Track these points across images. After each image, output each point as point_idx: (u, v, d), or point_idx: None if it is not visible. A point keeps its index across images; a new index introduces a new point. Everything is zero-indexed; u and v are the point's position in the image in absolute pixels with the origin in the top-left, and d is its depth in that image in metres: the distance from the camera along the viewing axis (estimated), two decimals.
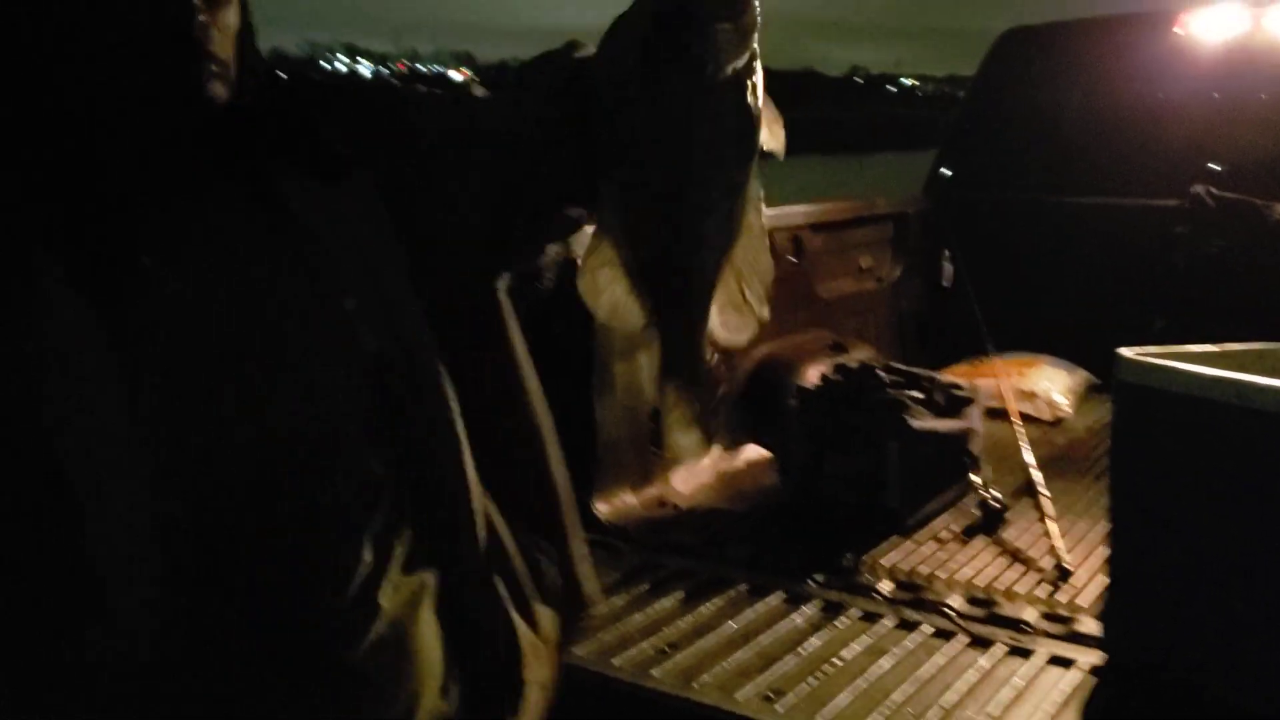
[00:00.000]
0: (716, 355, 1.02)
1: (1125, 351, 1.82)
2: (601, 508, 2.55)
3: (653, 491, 2.69)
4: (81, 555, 0.93)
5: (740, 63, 0.89)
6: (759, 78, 0.92)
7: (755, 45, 0.91)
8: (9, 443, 0.91)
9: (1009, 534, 2.50)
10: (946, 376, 2.81)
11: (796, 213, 3.53)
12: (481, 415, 1.13)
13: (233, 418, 0.96)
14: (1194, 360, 1.79)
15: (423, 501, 1.07)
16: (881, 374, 2.63)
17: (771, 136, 0.94)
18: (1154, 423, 1.78)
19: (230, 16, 1.01)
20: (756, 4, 0.90)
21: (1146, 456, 1.80)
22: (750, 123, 0.91)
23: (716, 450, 2.85)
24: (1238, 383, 1.66)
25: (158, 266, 0.96)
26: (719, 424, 0.92)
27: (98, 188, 0.97)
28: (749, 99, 0.90)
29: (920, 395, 2.62)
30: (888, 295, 4.05)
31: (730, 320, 0.98)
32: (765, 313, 0.99)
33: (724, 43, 0.88)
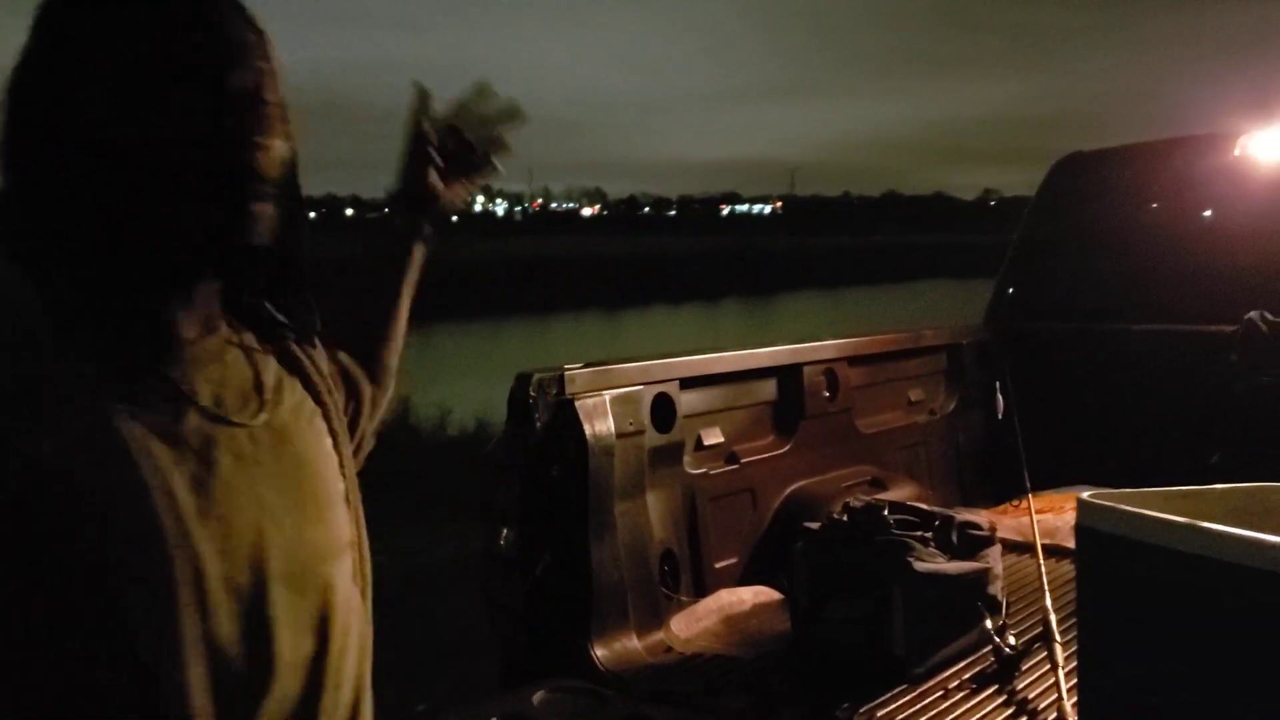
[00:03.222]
0: None
1: (1086, 495, 1.73)
2: (599, 652, 2.51)
3: (659, 636, 2.64)
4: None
5: None
6: None
7: None
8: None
9: (1022, 684, 2.36)
10: (965, 515, 2.70)
11: (830, 345, 3.49)
12: None
13: None
14: (1163, 502, 1.68)
15: None
16: (886, 513, 2.55)
17: None
18: (1116, 574, 1.68)
19: (282, 149, 1.09)
20: None
21: (1110, 611, 1.69)
22: None
23: (723, 592, 2.79)
24: (1191, 529, 1.55)
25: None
26: None
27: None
28: None
29: (929, 535, 2.52)
30: (942, 429, 3.94)
31: None
32: None
33: None
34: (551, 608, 2.52)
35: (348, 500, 1.20)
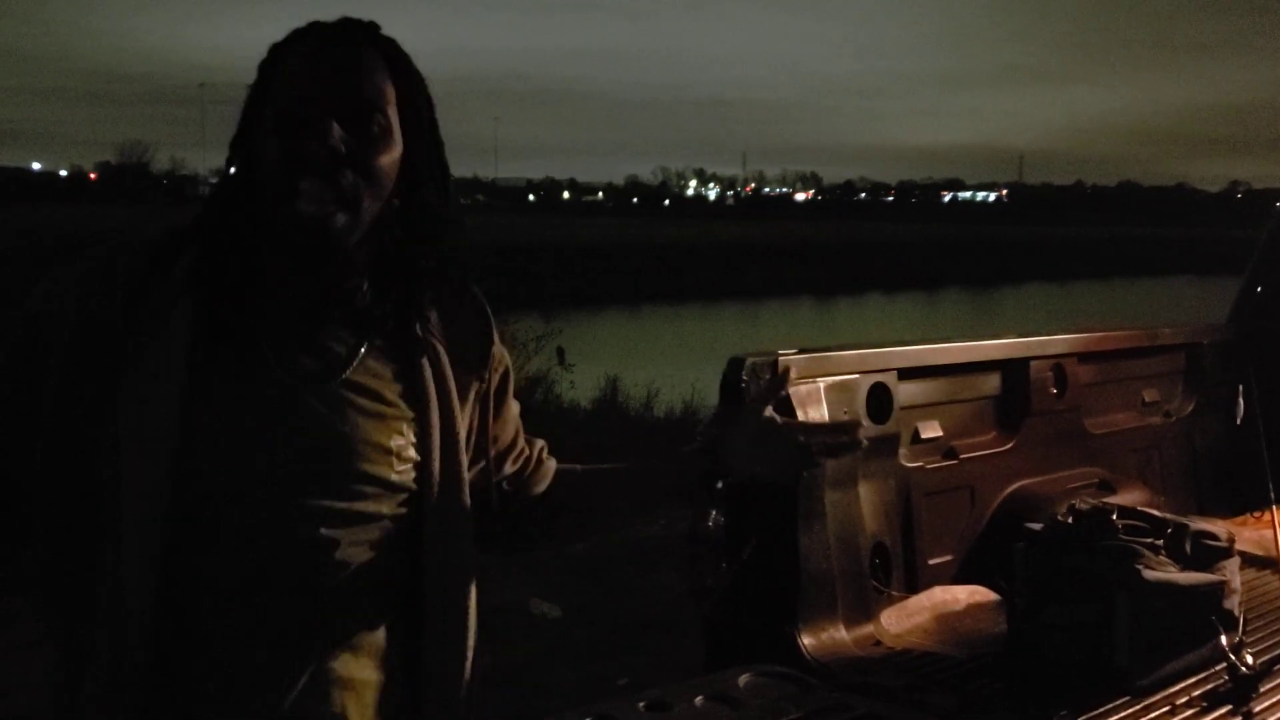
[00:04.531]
0: None
1: None
2: (806, 640, 2.48)
3: (868, 629, 2.60)
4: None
5: None
6: None
7: None
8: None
9: (1260, 706, 2.21)
10: (1201, 524, 2.54)
11: (1060, 340, 3.34)
12: None
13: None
14: None
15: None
16: (1115, 517, 2.42)
17: None
18: None
19: (383, 160, 1.28)
20: None
21: None
22: None
23: (937, 589, 2.72)
24: None
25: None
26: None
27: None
28: None
29: (1160, 543, 2.39)
30: (1178, 433, 3.72)
31: None
32: None
33: None
34: (758, 593, 2.52)
35: (411, 490, 1.37)
